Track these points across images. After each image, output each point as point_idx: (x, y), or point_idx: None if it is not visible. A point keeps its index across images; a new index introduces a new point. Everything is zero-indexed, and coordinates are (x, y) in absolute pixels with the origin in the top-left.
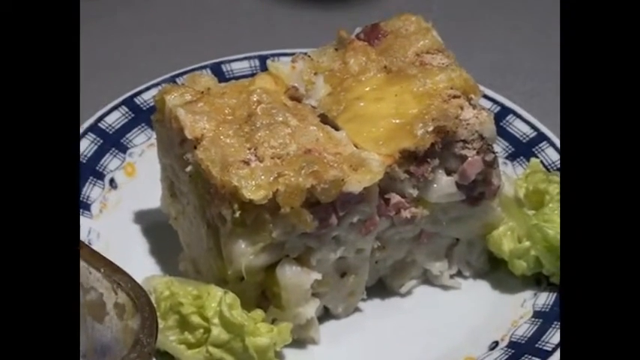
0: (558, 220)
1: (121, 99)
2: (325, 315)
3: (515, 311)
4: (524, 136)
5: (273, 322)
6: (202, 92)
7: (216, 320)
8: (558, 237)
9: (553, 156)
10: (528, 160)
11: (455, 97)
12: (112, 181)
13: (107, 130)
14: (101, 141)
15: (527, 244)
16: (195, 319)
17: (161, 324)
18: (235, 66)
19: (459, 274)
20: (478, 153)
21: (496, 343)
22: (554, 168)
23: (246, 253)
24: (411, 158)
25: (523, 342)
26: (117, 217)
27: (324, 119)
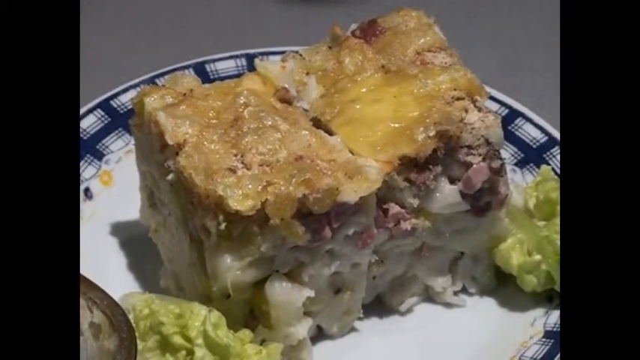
0: None
1: (96, 101)
2: (319, 335)
3: (525, 331)
4: (534, 141)
5: (262, 342)
6: (184, 94)
7: (200, 341)
8: None
9: None
10: (539, 167)
11: (459, 98)
12: (86, 190)
13: (81, 136)
14: None
15: (537, 257)
16: (178, 339)
17: (140, 345)
18: (220, 65)
19: (464, 290)
20: (484, 159)
21: None
22: None
23: (232, 268)
24: (411, 165)
25: None
26: (92, 230)
27: (317, 123)
